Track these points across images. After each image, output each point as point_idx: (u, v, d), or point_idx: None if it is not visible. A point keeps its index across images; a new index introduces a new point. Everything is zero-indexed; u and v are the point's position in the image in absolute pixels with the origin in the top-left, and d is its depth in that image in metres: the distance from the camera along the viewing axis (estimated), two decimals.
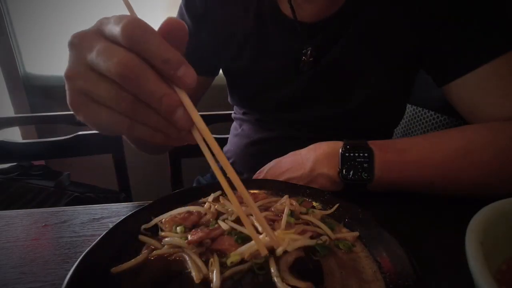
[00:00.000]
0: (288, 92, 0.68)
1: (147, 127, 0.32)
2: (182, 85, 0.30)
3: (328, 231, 0.39)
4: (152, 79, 0.29)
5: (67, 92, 0.32)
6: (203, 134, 0.31)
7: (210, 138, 0.32)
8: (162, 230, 0.41)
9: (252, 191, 0.49)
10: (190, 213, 0.42)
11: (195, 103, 0.81)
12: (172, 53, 0.28)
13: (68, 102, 0.32)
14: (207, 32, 0.70)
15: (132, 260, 0.35)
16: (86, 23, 0.32)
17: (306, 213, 0.43)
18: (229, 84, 0.78)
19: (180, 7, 0.72)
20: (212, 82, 0.79)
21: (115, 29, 0.28)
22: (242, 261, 0.34)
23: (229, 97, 0.81)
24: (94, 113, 0.31)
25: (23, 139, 1.47)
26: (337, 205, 0.44)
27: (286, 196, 0.46)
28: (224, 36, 0.69)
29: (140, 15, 0.29)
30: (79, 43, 0.31)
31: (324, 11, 0.61)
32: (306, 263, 0.35)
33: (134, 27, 0.28)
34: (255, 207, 0.33)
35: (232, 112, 0.90)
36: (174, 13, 0.76)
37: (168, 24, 0.29)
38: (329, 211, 0.44)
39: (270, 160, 0.60)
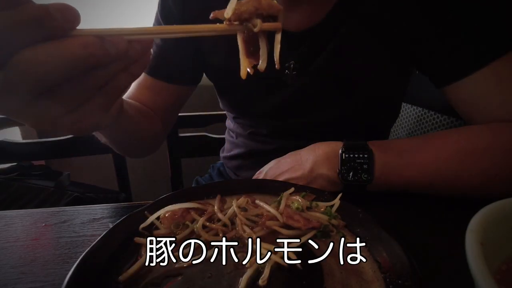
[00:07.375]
0: (276, 101, 0.66)
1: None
2: (69, 26, 0.27)
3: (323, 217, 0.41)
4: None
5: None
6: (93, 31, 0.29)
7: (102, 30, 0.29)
8: (158, 228, 0.41)
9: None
10: (188, 211, 0.42)
11: (177, 110, 0.78)
12: (28, 9, 0.25)
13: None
14: (188, 41, 0.66)
15: (137, 263, 0.35)
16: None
17: (310, 206, 0.43)
18: (218, 90, 0.76)
19: (156, 16, 0.69)
20: (194, 91, 0.76)
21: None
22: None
23: (220, 103, 0.80)
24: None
25: (23, 139, 1.47)
26: (340, 194, 0.45)
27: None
28: (208, 44, 0.66)
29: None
30: None
31: (309, 20, 0.59)
32: (306, 264, 0.35)
33: None
34: None
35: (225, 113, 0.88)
36: None
37: None
38: (332, 202, 0.45)
39: (267, 162, 0.60)
